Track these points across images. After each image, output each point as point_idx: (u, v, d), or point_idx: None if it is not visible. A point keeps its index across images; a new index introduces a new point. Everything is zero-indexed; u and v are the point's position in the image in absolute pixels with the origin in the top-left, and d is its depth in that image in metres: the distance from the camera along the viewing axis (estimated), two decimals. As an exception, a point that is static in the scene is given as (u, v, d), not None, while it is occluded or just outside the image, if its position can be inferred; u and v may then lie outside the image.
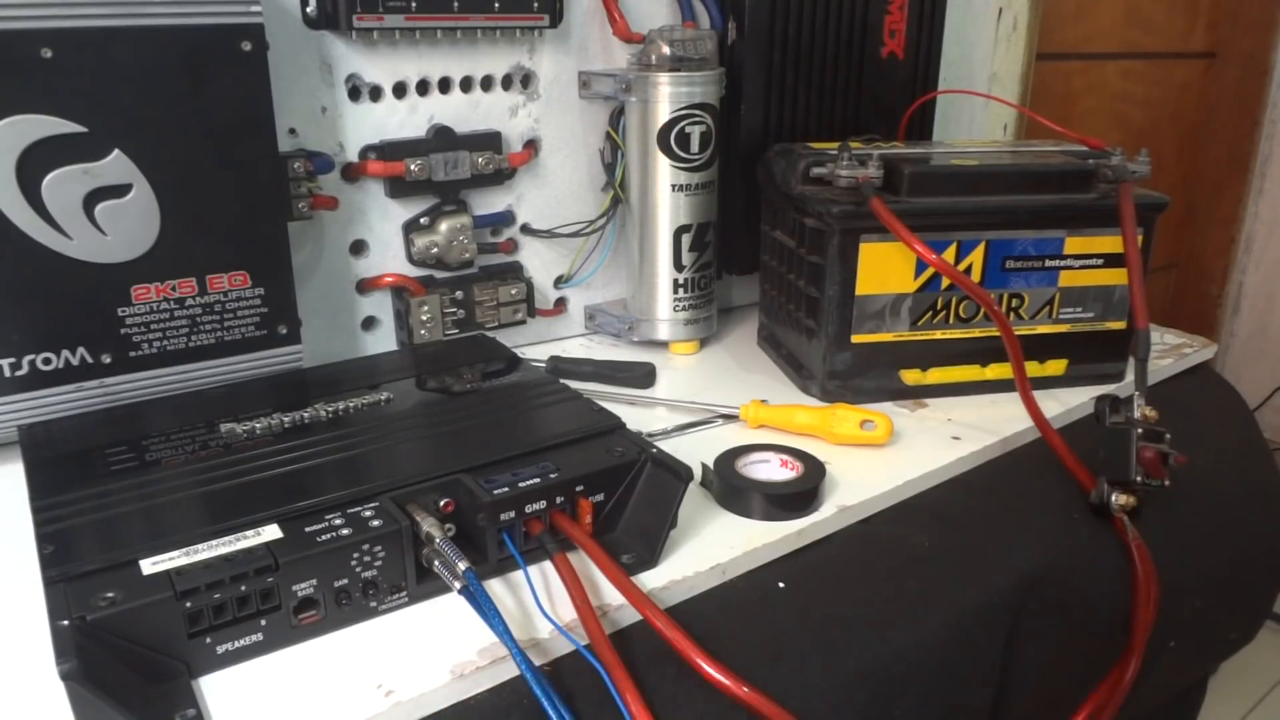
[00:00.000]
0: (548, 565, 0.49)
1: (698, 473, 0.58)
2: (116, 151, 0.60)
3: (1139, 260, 0.69)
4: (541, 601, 0.47)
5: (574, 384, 0.64)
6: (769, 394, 0.73)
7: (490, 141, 0.79)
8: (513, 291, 0.82)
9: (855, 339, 0.71)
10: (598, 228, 0.85)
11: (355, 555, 0.45)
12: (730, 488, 0.57)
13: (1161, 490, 0.61)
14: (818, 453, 0.61)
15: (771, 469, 0.60)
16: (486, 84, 0.78)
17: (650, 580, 0.50)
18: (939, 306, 0.72)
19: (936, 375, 0.74)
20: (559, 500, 0.50)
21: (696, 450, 0.60)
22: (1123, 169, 0.72)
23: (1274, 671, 1.52)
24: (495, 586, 0.49)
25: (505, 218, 0.83)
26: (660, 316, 0.84)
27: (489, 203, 0.82)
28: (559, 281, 0.87)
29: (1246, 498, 0.74)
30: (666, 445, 0.56)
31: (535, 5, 0.75)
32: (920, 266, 0.70)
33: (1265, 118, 1.80)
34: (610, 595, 0.48)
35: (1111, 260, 0.73)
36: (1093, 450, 0.64)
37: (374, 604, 0.46)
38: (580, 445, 0.53)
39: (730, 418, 0.69)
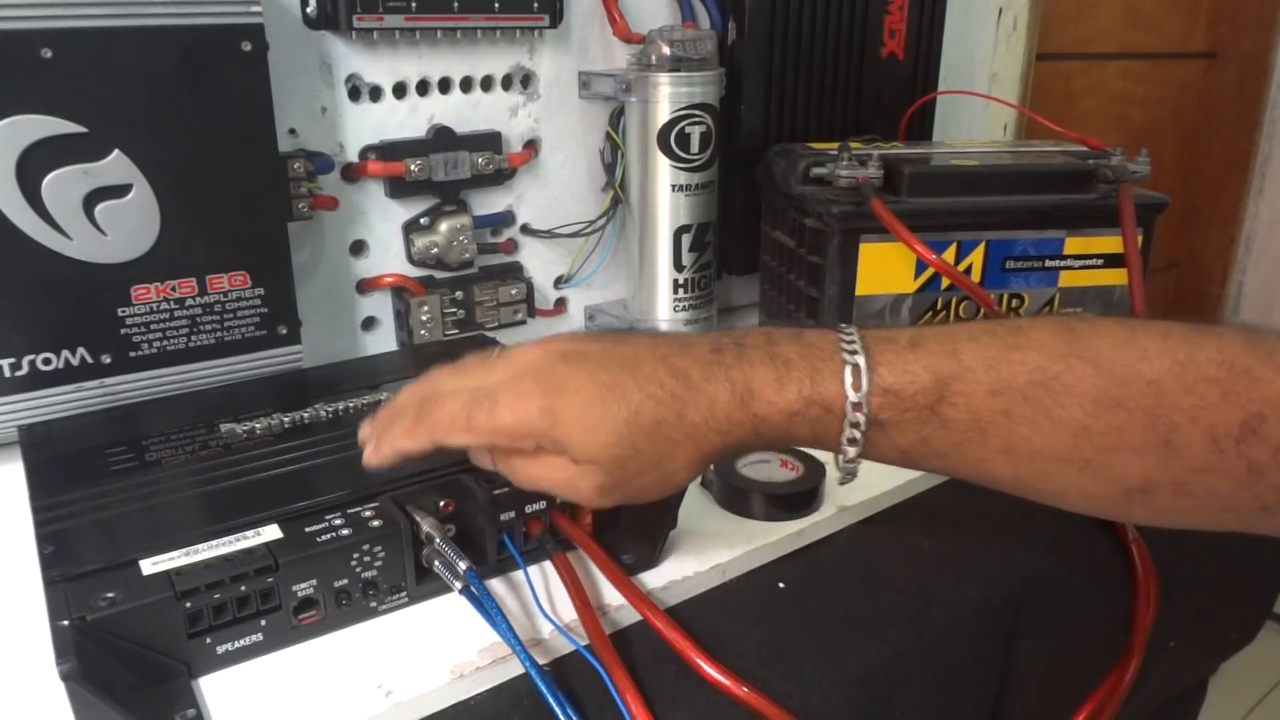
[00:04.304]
0: (547, 565, 0.49)
1: (698, 473, 0.58)
2: (116, 151, 0.60)
3: (1139, 260, 0.69)
4: (541, 602, 0.47)
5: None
6: (769, 394, 0.72)
7: (490, 141, 0.79)
8: (513, 292, 0.82)
9: (855, 339, 0.71)
10: (598, 228, 0.85)
11: (355, 555, 0.45)
12: (730, 488, 0.57)
13: (1161, 490, 0.61)
14: (818, 453, 0.61)
15: (771, 469, 0.60)
16: (486, 84, 0.78)
17: (650, 580, 0.50)
18: (939, 307, 0.72)
19: (936, 375, 0.74)
20: (559, 500, 0.50)
21: (696, 450, 0.60)
22: (1123, 169, 0.72)
23: (1274, 671, 1.52)
24: (495, 586, 0.49)
25: (505, 218, 0.83)
26: (660, 317, 0.84)
27: (489, 203, 0.82)
28: (559, 282, 0.87)
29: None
30: (666, 445, 0.55)
31: (535, 5, 0.75)
32: (920, 267, 0.70)
33: (1265, 118, 1.80)
34: (610, 595, 0.48)
35: (1111, 260, 0.73)
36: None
37: (374, 604, 0.46)
38: (580, 445, 0.53)
39: (730, 418, 0.69)
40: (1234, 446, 0.38)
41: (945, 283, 0.71)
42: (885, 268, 0.70)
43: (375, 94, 0.74)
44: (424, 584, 0.47)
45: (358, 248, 0.77)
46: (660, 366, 0.42)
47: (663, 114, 0.77)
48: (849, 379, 0.41)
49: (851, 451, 0.42)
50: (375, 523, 0.46)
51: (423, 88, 0.76)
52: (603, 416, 0.41)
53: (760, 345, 0.43)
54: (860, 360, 0.41)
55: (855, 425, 0.41)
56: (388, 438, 0.45)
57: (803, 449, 0.61)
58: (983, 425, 0.41)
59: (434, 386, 0.46)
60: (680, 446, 0.42)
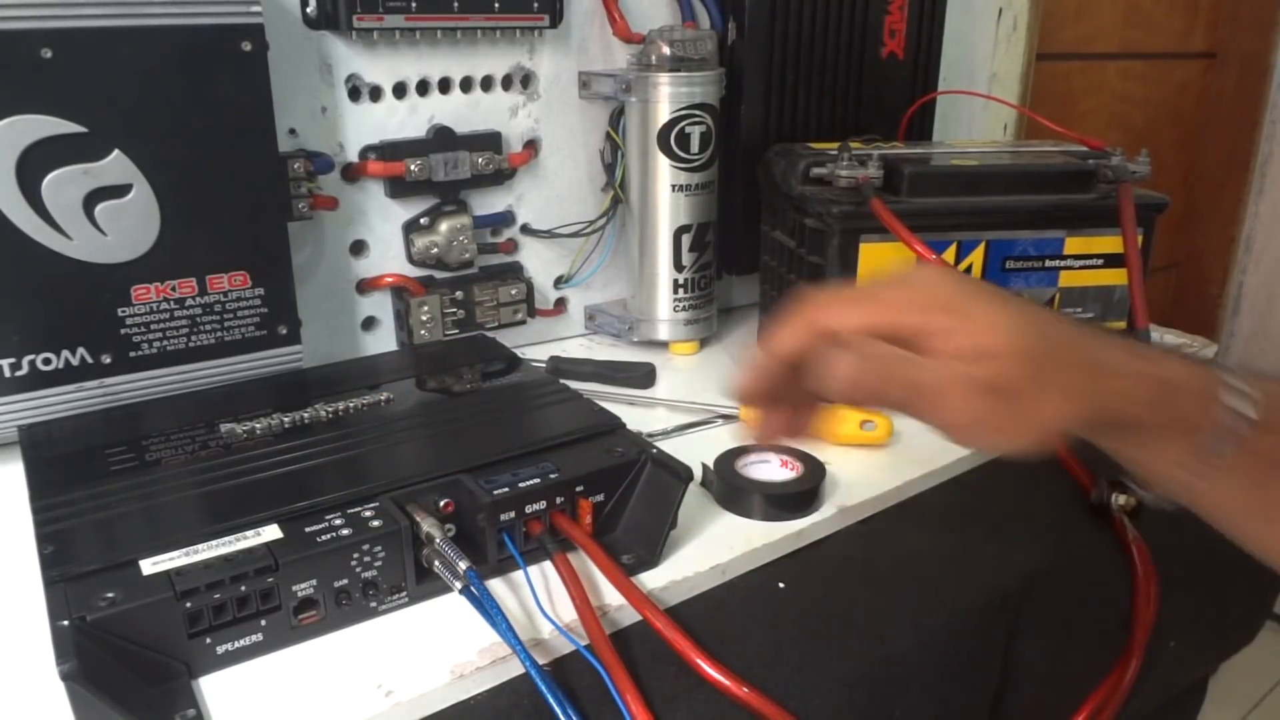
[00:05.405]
0: (547, 565, 0.49)
1: (698, 473, 0.58)
2: (116, 151, 0.60)
3: (1139, 260, 0.69)
4: (541, 602, 0.47)
5: (574, 384, 0.64)
6: (769, 394, 0.73)
7: (490, 141, 0.79)
8: (513, 292, 0.82)
9: (855, 339, 0.71)
10: (598, 228, 0.85)
11: (355, 555, 0.45)
12: (730, 488, 0.57)
13: (1161, 490, 0.61)
14: (818, 453, 0.61)
15: (771, 469, 0.60)
16: (486, 84, 0.78)
17: (650, 580, 0.50)
18: (939, 306, 0.72)
19: (936, 375, 0.74)
20: (559, 500, 0.50)
21: (696, 450, 0.60)
22: (1123, 169, 0.72)
23: (1274, 671, 1.52)
24: (495, 586, 0.49)
25: (505, 218, 0.83)
26: (660, 317, 0.84)
27: (489, 203, 0.82)
28: (559, 281, 0.87)
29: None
30: (666, 445, 0.56)
31: (535, 5, 0.75)
32: (920, 266, 0.70)
33: (1265, 118, 1.80)
34: (610, 595, 0.48)
35: (1111, 260, 0.73)
36: (1093, 450, 0.64)
37: (374, 604, 0.46)
38: (580, 445, 0.53)
39: (730, 418, 0.69)
40: None
41: (945, 283, 0.71)
42: (885, 268, 0.70)
43: (375, 94, 0.74)
44: (424, 584, 0.47)
45: (358, 248, 0.77)
46: (1068, 319, 0.42)
47: (663, 114, 0.77)
48: (1237, 377, 0.41)
49: (1225, 449, 0.41)
50: (375, 523, 0.46)
51: (423, 88, 0.76)
52: (1011, 312, 0.40)
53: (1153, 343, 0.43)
54: (1243, 371, 0.42)
55: (1242, 417, 0.40)
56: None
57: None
58: None
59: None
60: (1081, 378, 0.40)
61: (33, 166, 0.57)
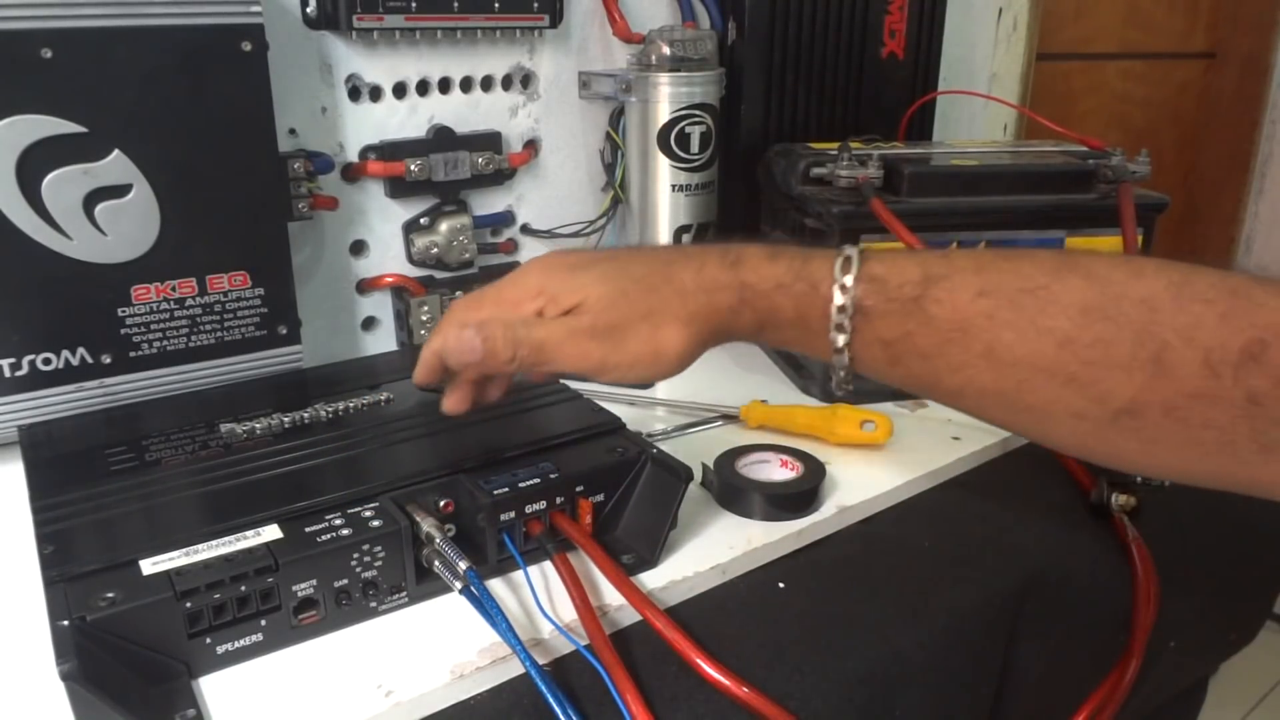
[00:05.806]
0: (548, 565, 0.49)
1: (698, 473, 0.58)
2: (116, 151, 0.60)
3: (1139, 260, 0.69)
4: (541, 602, 0.47)
5: (574, 384, 0.64)
6: (769, 394, 0.73)
7: (490, 141, 0.79)
8: (513, 291, 0.81)
9: (855, 339, 0.71)
10: (598, 228, 0.85)
11: (355, 555, 0.45)
12: (730, 488, 0.57)
13: (1161, 490, 0.61)
14: (818, 453, 0.61)
15: (771, 469, 0.60)
16: (486, 84, 0.79)
17: (650, 580, 0.50)
18: (939, 306, 0.72)
19: (936, 375, 0.74)
20: (559, 500, 0.50)
21: (696, 450, 0.60)
22: (1123, 169, 0.72)
23: (1274, 671, 1.52)
24: (495, 586, 0.49)
25: (505, 218, 0.83)
26: (660, 316, 0.83)
27: (489, 203, 0.82)
28: (559, 281, 0.87)
29: (1246, 497, 0.74)
30: (666, 445, 0.56)
31: (535, 5, 0.75)
32: (920, 266, 0.70)
33: (1265, 118, 1.80)
34: (610, 595, 0.48)
35: (1111, 260, 0.73)
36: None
37: (374, 604, 0.46)
38: (580, 445, 0.53)
39: (730, 418, 0.69)
40: (1231, 373, 0.36)
41: (945, 283, 0.71)
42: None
43: (375, 94, 0.74)
44: (424, 584, 0.47)
45: (358, 248, 0.77)
46: (653, 250, 0.47)
47: (663, 114, 0.77)
48: (839, 264, 0.43)
49: (839, 340, 0.43)
50: (375, 523, 0.46)
51: (423, 88, 0.76)
52: (592, 266, 0.46)
53: (758, 243, 0.47)
54: (853, 253, 0.44)
55: (842, 310, 0.43)
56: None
57: (797, 446, 0.61)
58: (966, 325, 0.41)
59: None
60: (669, 302, 0.45)
61: (33, 166, 0.57)
